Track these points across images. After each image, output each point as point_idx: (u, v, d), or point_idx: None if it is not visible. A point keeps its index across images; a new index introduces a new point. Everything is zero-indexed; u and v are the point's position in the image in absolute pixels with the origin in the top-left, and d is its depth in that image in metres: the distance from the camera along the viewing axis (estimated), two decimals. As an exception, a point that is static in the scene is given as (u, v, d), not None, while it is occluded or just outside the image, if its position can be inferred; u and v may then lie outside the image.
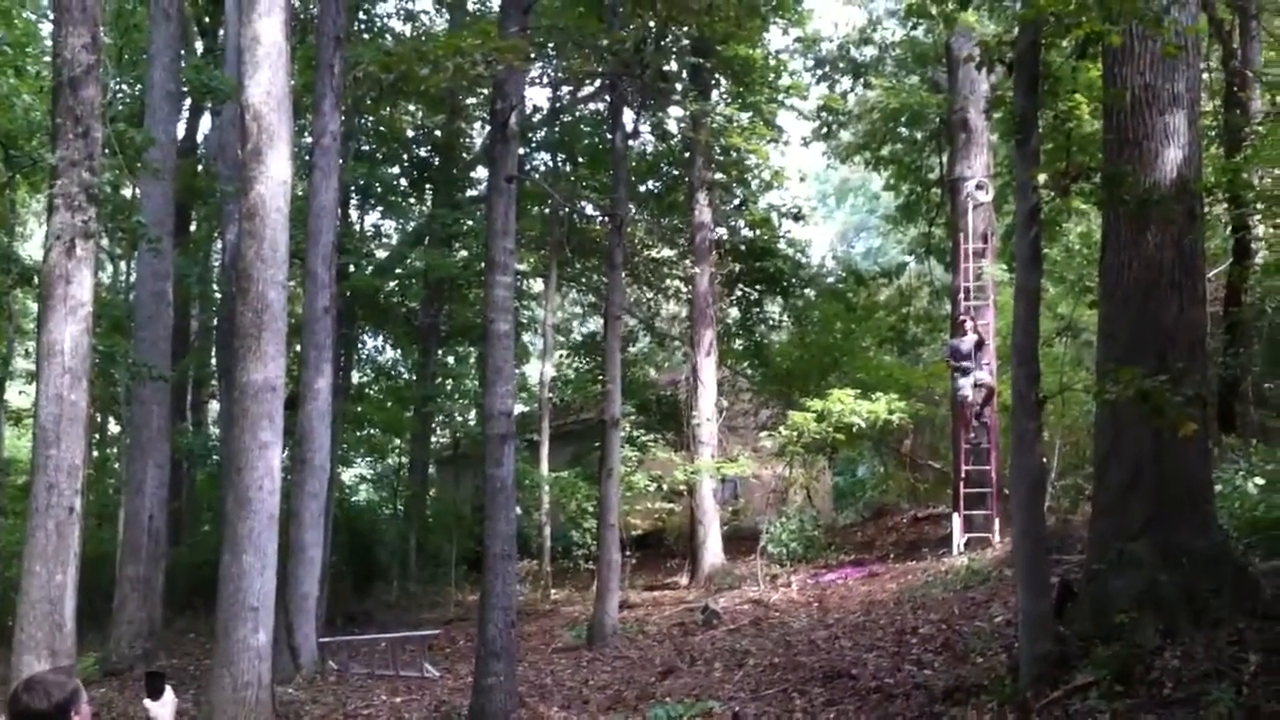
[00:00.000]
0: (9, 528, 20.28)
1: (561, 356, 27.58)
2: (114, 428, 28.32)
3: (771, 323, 25.27)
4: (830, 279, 25.53)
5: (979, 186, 16.81)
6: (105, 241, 22.59)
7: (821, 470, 21.82)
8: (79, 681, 3.72)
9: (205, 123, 26.66)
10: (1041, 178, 7.82)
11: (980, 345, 15.89)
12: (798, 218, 23.84)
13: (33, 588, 12.12)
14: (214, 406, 27.42)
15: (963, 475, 16.01)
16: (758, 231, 23.32)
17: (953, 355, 16.27)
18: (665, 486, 20.82)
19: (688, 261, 21.30)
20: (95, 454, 28.84)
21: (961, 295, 16.61)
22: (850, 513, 23.24)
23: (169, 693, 3.97)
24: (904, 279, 25.65)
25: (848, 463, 25.32)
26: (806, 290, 24.24)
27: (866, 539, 19.67)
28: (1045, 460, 14.72)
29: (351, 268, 22.54)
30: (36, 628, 12.03)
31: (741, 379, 24.40)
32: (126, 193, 19.28)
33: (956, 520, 15.90)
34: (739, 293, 24.20)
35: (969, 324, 16.02)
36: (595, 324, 28.17)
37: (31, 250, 20.03)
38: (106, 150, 14.52)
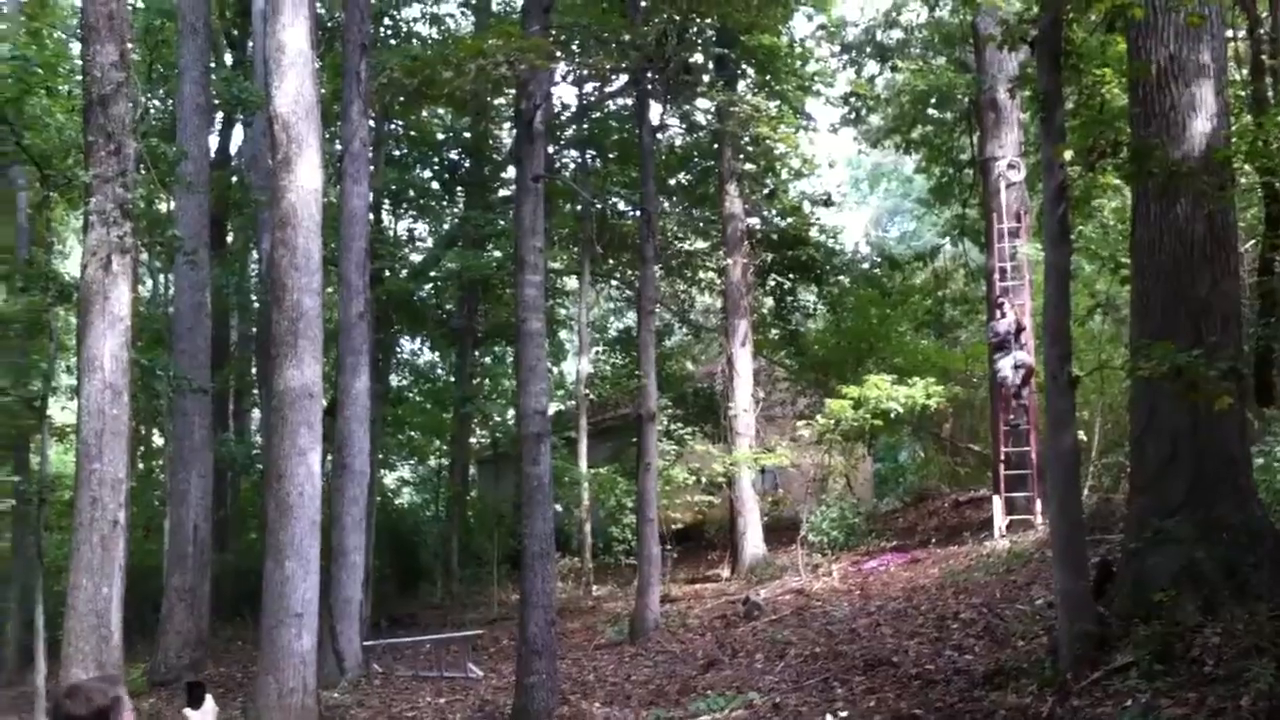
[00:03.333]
0: (56, 542, 20.54)
1: (597, 353, 27.64)
2: (158, 439, 28.63)
3: (806, 311, 25.20)
4: (865, 265, 25.40)
5: (1010, 166, 16.67)
6: (144, 256, 22.85)
7: (861, 457, 21.73)
8: (123, 690, 3.76)
9: (238, 134, 26.91)
10: (1068, 154, 7.75)
11: (1020, 327, 15.71)
12: (828, 204, 23.77)
13: (79, 601, 12.27)
14: (256, 415, 27.67)
15: (1002, 458, 15.89)
16: (789, 220, 23.23)
17: (992, 337, 16.16)
18: (704, 479, 20.80)
19: (720, 253, 21.25)
20: (139, 466, 29.19)
21: (996, 276, 16.48)
22: (891, 499, 23.12)
23: (209, 701, 4.03)
24: (939, 262, 25.48)
25: (888, 449, 25.19)
26: (840, 277, 24.12)
27: (908, 525, 19.56)
28: (1085, 439, 14.62)
29: (386, 272, 22.67)
30: (84, 641, 12.17)
31: (778, 368, 24.33)
32: (162, 207, 19.46)
33: (997, 503, 15.78)
34: (772, 282, 24.14)
35: (1006, 305, 15.85)
36: (630, 319, 28.20)
37: (71, 267, 20.23)
38: (140, 166, 14.69)
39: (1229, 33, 10.47)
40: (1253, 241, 12.93)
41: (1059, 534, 7.69)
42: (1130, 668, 6.96)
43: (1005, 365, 15.66)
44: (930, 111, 22.11)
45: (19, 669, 18.84)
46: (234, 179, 25.93)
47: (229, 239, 26.22)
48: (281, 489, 12.18)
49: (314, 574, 12.20)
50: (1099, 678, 7.00)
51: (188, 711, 4.00)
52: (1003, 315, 15.83)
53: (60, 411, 21.55)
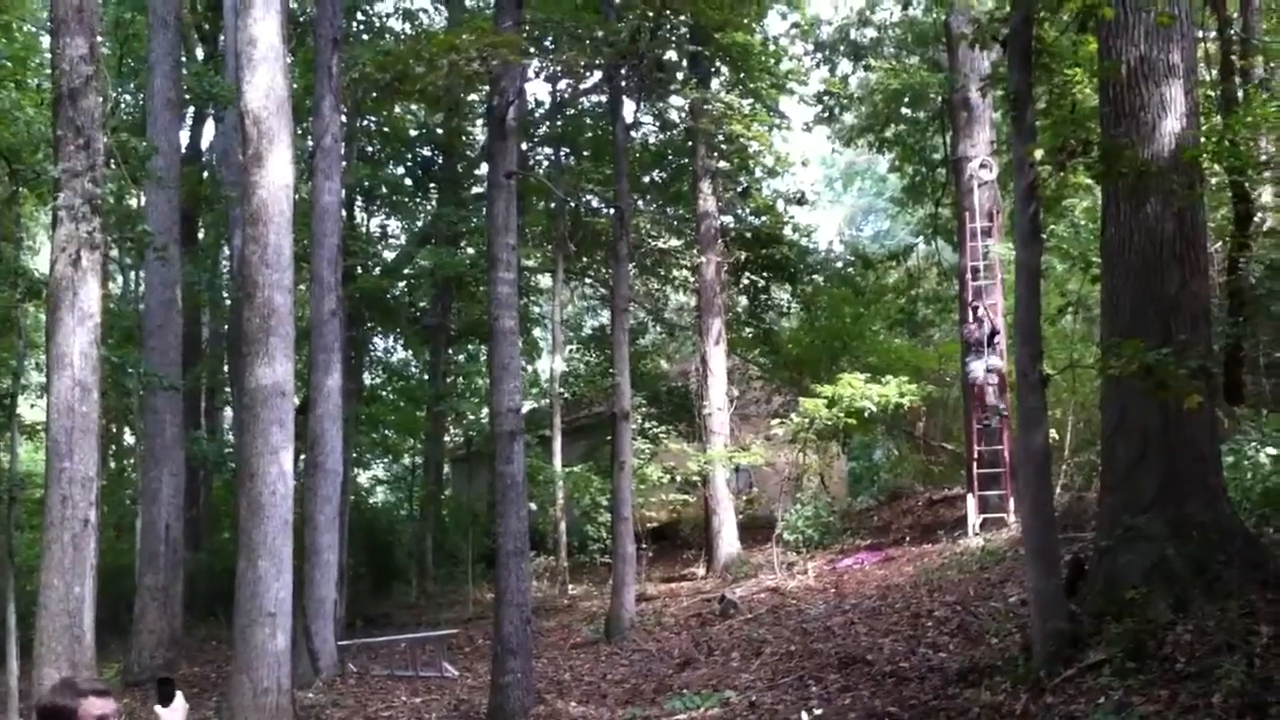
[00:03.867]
0: (27, 541, 20.36)
1: (571, 351, 27.60)
2: (129, 438, 28.42)
3: (780, 309, 25.23)
4: (838, 263, 25.44)
5: (982, 165, 16.73)
6: (114, 252, 22.67)
7: (835, 456, 21.79)
8: (110, 691, 3.79)
9: (209, 130, 26.74)
10: (1039, 153, 7.78)
11: (994, 331, 15.69)
12: (802, 203, 23.79)
13: (51, 601, 12.17)
14: (229, 413, 27.50)
15: (976, 456, 15.95)
16: (763, 218, 23.26)
17: (965, 346, 16.12)
18: (679, 478, 20.82)
19: (694, 251, 21.26)
20: (111, 465, 28.97)
21: (969, 275, 16.54)
22: (865, 497, 23.19)
23: (179, 699, 4.00)
24: (912, 261, 25.54)
25: (862, 447, 25.25)
26: (814, 276, 24.16)
27: (882, 523, 19.63)
28: (1057, 438, 14.69)
29: (359, 269, 22.55)
30: (56, 640, 12.08)
31: (752, 367, 24.36)
32: (132, 202, 19.31)
33: (971, 501, 15.84)
34: (746, 280, 24.16)
35: (980, 309, 15.83)
36: (604, 317, 28.13)
37: (40, 263, 20.07)
38: (110, 160, 14.58)
39: (1199, 33, 10.53)
40: (1222, 241, 13.01)
41: (1031, 532, 7.72)
42: (1103, 665, 6.99)
43: (977, 368, 15.65)
44: (903, 110, 22.15)
45: (-11, 669, 18.67)
46: (205, 174, 25.79)
47: (200, 235, 26.06)
48: (254, 488, 12.10)
49: (287, 573, 12.14)
50: (1072, 675, 7.03)
51: (158, 709, 3.96)
52: (976, 320, 15.83)
53: (30, 409, 21.35)
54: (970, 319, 16.03)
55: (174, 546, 18.17)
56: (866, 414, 16.94)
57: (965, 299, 16.62)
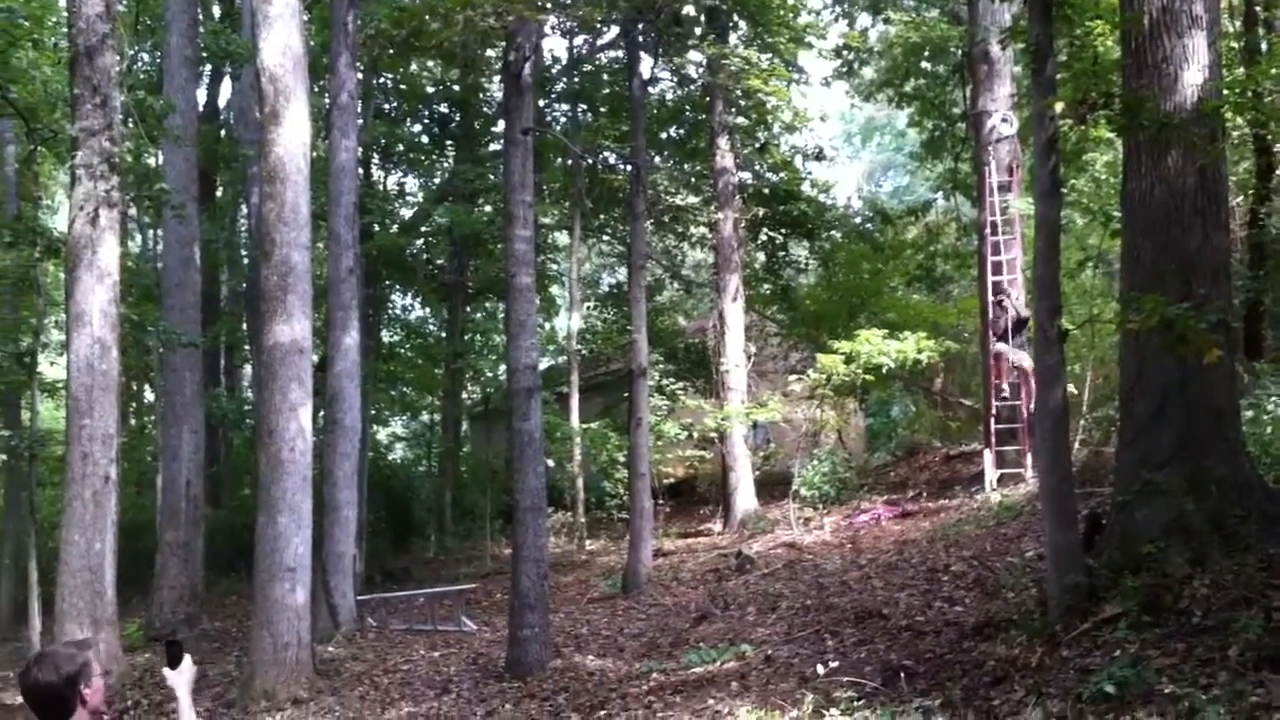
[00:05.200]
0: (48, 498, 20.58)
1: (589, 308, 27.60)
2: (149, 395, 28.61)
3: (798, 266, 25.15)
4: (856, 219, 25.33)
5: (1003, 119, 16.60)
6: (131, 210, 22.73)
7: (853, 412, 21.78)
8: (90, 655, 3.75)
9: (226, 88, 26.72)
10: (1059, 106, 7.69)
11: (1021, 323, 15.48)
12: (820, 158, 23.66)
13: (72, 557, 12.34)
14: (248, 371, 27.62)
15: (993, 412, 15.92)
16: (781, 174, 23.15)
17: (991, 337, 16.08)
18: (696, 434, 20.86)
19: (711, 208, 21.19)
20: (131, 422, 29.18)
21: (988, 230, 16.44)
22: (882, 453, 23.20)
23: (187, 660, 4.03)
24: (931, 216, 25.42)
25: (880, 403, 25.24)
26: (832, 232, 24.06)
27: (899, 479, 19.64)
28: (1075, 392, 14.65)
29: (376, 227, 22.56)
30: (78, 596, 12.25)
31: (770, 323, 24.34)
32: (150, 161, 19.34)
33: (988, 457, 15.85)
34: (764, 237, 24.09)
35: (1006, 300, 15.80)
36: (621, 274, 28.14)
37: (59, 222, 20.14)
38: (127, 119, 14.59)
39: (1223, -17, 10.39)
40: (1243, 195, 12.91)
41: (1048, 487, 7.70)
42: (1119, 619, 6.99)
43: (1004, 348, 15.75)
44: (923, 64, 21.95)
45: (13, 624, 18.92)
46: (222, 133, 25.77)
47: (218, 193, 26.08)
48: (273, 445, 12.19)
49: (306, 529, 12.24)
50: (1088, 628, 7.03)
51: (166, 671, 4.00)
52: (1001, 312, 15.85)
53: (50, 367, 21.51)
54: (993, 310, 16.06)
55: (194, 503, 18.30)
56: (884, 370, 16.90)
57: (985, 255, 16.52)
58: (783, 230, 23.93)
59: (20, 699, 3.78)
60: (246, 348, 24.70)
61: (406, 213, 26.50)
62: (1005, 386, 15.81)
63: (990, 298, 16.18)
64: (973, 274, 20.62)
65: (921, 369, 19.10)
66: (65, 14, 14.76)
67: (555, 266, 27.58)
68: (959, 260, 23.54)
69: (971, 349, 20.28)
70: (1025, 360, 14.90)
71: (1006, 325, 15.64)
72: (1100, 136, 11.71)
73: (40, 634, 14.62)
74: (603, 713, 8.81)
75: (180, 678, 3.97)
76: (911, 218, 24.79)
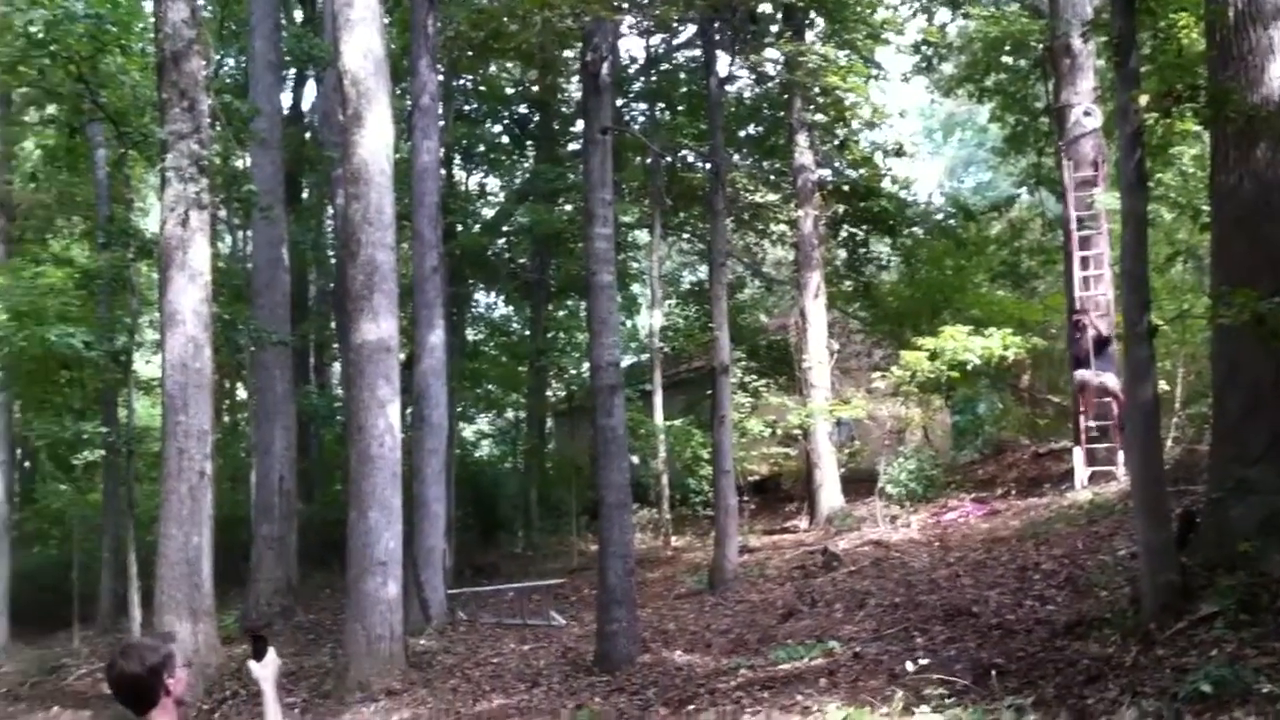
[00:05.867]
0: (146, 494, 21.08)
1: (670, 306, 27.66)
2: (242, 393, 29.19)
3: (880, 263, 24.99)
4: (939, 215, 25.11)
5: (1086, 113, 16.35)
6: (221, 212, 23.21)
7: (938, 409, 21.59)
8: (174, 647, 3.86)
9: (310, 91, 27.19)
10: (1143, 99, 7.60)
11: (1103, 343, 14.74)
12: (900, 154, 23.47)
13: (170, 550, 12.69)
14: (337, 369, 28.11)
15: (1082, 409, 15.71)
16: (861, 171, 23.01)
17: (1073, 362, 15.27)
18: (780, 431, 20.81)
19: (791, 205, 21.14)
20: (225, 419, 29.78)
21: (1073, 226, 16.21)
22: (969, 450, 22.98)
23: (271, 654, 4.13)
24: (1015, 212, 25.12)
25: (966, 400, 25.00)
26: (914, 228, 23.88)
27: (987, 476, 19.44)
28: (1167, 389, 14.41)
29: (459, 227, 22.83)
30: (176, 588, 12.59)
31: (852, 320, 24.21)
32: (238, 163, 19.75)
33: (1078, 454, 15.62)
34: (845, 233, 23.96)
35: (1085, 320, 14.85)
36: (703, 272, 28.13)
37: (151, 224, 20.65)
38: (214, 122, 14.93)
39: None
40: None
41: (1140, 484, 7.62)
42: (1215, 618, 6.91)
43: (1087, 375, 14.92)
44: (1004, 59, 21.69)
45: (114, 616, 19.44)
46: (307, 135, 26.22)
47: (304, 195, 26.55)
48: (362, 441, 12.43)
49: (397, 524, 12.47)
50: (1183, 627, 6.96)
51: (250, 663, 4.11)
52: (1080, 334, 14.94)
53: (145, 365, 22.07)
54: (1074, 332, 15.19)
55: (287, 498, 18.70)
56: (969, 367, 16.74)
57: (1071, 250, 16.29)
58: (864, 227, 23.78)
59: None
60: (335, 346, 25.14)
61: (488, 212, 26.80)
62: (1092, 424, 15.20)
63: (1069, 316, 15.59)
64: (1058, 270, 20.35)
65: (1008, 366, 18.90)
66: (152, 20, 15.11)
67: (636, 265, 27.69)
68: (1044, 256, 23.24)
69: (1059, 345, 20.01)
70: (1111, 381, 14.42)
71: (1087, 348, 14.75)
72: (1187, 130, 11.50)
73: (140, 625, 15.03)
74: (691, 707, 8.87)
75: (265, 670, 4.07)
76: (995, 213, 24.52)
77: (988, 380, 21.29)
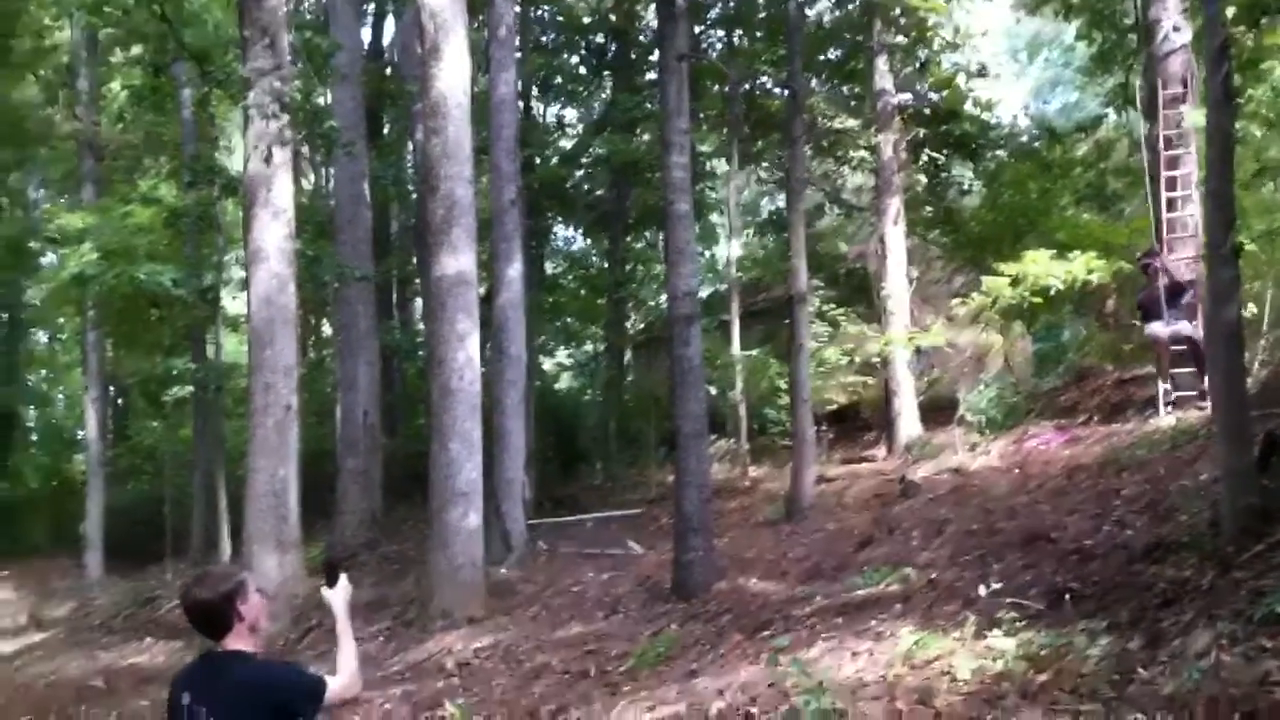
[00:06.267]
0: (234, 429, 21.62)
1: (749, 235, 27.52)
2: (327, 329, 29.68)
3: (961, 187, 24.57)
4: (1023, 138, 24.58)
5: (1175, 28, 15.84)
6: (304, 149, 23.48)
7: (1020, 336, 21.31)
8: (247, 575, 4.03)
9: (390, 27, 27.31)
10: (1230, 11, 7.38)
11: (1177, 291, 13.17)
12: (983, 75, 22.98)
13: (258, 483, 13.03)
14: (419, 304, 28.43)
15: (1156, 367, 15.40)
16: (942, 94, 22.57)
17: (1143, 311, 13.68)
18: (858, 360, 20.70)
19: (870, 130, 20.85)
20: (310, 355, 30.35)
21: (1161, 145, 15.81)
22: (1051, 377, 22.65)
23: (343, 580, 4.26)
24: (1101, 132, 24.48)
25: (1050, 327, 24.61)
26: (997, 151, 23.42)
27: (1069, 403, 19.15)
28: (1255, 310, 14.08)
29: (536, 159, 22.85)
30: (264, 520, 12.94)
31: (932, 247, 23.89)
32: (319, 100, 19.96)
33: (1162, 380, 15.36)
34: (925, 158, 23.57)
35: (1155, 264, 13.23)
36: (781, 201, 27.91)
37: (236, 163, 20.97)
38: (295, 59, 15.09)
39: None
40: None
41: (1222, 407, 7.50)
42: (1295, 541, 6.81)
43: (1159, 330, 13.37)
44: (1090, -27, 21.09)
45: (205, 550, 20.05)
46: (387, 70, 26.35)
47: (385, 130, 26.73)
48: (443, 374, 12.62)
49: (477, 455, 12.67)
50: (1262, 550, 6.86)
51: (324, 590, 4.24)
52: (1152, 277, 13.33)
53: (232, 302, 22.52)
54: (1146, 278, 13.59)
55: (372, 432, 19.06)
56: (1052, 292, 16.49)
57: (1158, 172, 15.89)
58: (945, 151, 23.36)
59: None
60: (417, 281, 25.42)
61: (566, 144, 26.76)
62: (1170, 387, 13.78)
63: (1140, 259, 14.28)
64: (1144, 191, 19.88)
65: (1092, 290, 18.56)
66: (233, -41, 15.26)
67: (714, 194, 27.53)
68: (1131, 178, 22.68)
69: (1145, 269, 19.59)
70: (1186, 329, 13.11)
71: (1158, 296, 13.11)
72: (1276, 43, 11.14)
73: (230, 557, 15.49)
74: (766, 633, 8.97)
75: (337, 597, 4.19)
76: (1081, 134, 23.91)
77: (1071, 306, 20.95)
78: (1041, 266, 16.07)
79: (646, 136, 23.74)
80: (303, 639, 12.33)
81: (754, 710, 6.89)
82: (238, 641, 3.89)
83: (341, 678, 3.98)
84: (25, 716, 12.23)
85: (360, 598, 14.51)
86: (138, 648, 14.63)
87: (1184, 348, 13.19)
